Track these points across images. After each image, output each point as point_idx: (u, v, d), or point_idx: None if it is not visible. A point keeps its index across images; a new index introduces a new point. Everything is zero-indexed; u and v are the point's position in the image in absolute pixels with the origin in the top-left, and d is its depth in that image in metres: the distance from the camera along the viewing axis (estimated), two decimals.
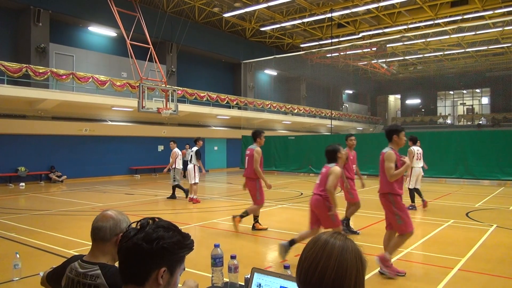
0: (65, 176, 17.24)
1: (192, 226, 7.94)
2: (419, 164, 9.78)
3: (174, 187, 11.91)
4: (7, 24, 17.32)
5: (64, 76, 16.31)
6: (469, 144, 16.34)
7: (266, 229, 7.47)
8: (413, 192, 9.80)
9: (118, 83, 17.99)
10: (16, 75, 14.96)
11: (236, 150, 24.50)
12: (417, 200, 9.78)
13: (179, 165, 11.88)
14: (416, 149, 9.79)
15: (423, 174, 10.07)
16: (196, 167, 11.14)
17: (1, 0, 16.40)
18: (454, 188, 14.62)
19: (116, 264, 1.87)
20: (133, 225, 1.41)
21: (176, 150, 11.92)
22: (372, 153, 18.55)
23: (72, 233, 7.13)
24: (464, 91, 40.67)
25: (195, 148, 11.24)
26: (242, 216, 7.30)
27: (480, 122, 37.09)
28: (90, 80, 17.04)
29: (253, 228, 7.49)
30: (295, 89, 33.12)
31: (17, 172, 15.94)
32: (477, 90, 40.10)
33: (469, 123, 38.09)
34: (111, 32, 20.16)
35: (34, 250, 6.05)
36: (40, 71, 15.62)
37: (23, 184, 15.70)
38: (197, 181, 11.08)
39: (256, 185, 7.34)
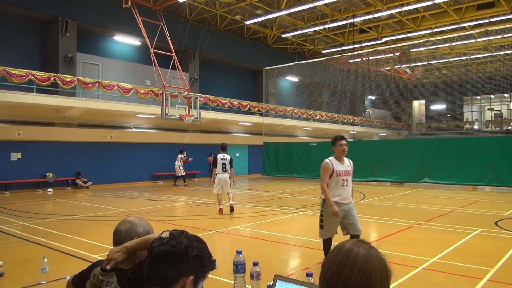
0: (91, 182, 17.62)
1: (215, 232, 7.96)
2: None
3: None
4: (37, 35, 17.95)
5: (90, 84, 16.74)
6: (497, 150, 15.85)
7: None
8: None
9: (142, 91, 18.32)
10: (44, 83, 15.44)
11: (257, 157, 24.51)
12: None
13: None
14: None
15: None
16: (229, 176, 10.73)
17: (31, 12, 17.01)
18: (482, 195, 14.18)
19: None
20: (164, 234, 1.46)
21: None
22: (393, 159, 18.48)
23: (97, 238, 7.26)
24: (492, 96, 39.53)
25: (228, 157, 10.84)
26: None
27: (509, 127, 35.91)
28: (115, 88, 17.41)
29: None
30: (317, 95, 32.92)
31: (45, 178, 16.39)
32: (506, 95, 38.91)
33: (497, 128, 36.96)
34: (135, 41, 20.61)
35: (60, 254, 6.19)
36: (68, 79, 16.06)
37: (51, 189, 16.12)
38: (228, 190, 10.56)
39: None
